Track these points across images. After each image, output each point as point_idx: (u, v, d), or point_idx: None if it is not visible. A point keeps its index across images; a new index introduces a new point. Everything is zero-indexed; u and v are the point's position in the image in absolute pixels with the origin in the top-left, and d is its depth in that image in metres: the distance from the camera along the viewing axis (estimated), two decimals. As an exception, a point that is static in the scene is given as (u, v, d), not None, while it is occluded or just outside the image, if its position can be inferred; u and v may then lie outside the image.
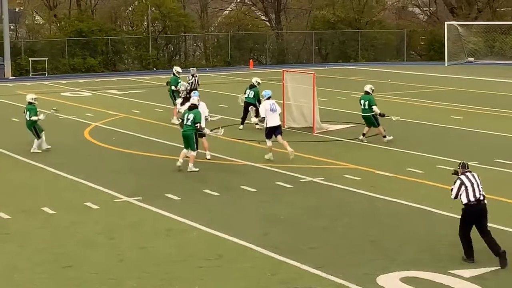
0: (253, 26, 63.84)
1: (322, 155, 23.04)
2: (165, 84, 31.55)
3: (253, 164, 21.91)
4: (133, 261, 13.94)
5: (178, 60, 58.45)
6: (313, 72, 28.63)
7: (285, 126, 27.12)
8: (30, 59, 52.00)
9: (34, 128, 23.88)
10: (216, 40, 62.88)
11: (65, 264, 13.72)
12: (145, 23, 59.04)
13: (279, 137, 22.40)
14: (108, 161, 23.08)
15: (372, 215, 16.68)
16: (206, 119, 22.46)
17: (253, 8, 68.16)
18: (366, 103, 24.92)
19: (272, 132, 22.41)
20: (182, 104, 26.51)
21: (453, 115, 30.76)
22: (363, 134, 25.26)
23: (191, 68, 31.16)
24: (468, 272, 13.03)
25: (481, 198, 13.43)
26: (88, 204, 17.77)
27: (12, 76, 49.59)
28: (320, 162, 21.83)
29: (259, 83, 28.34)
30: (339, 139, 25.99)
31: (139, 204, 17.85)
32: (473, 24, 60.85)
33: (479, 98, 36.82)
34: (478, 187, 13.44)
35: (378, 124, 25.08)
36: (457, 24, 59.63)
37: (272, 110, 22.41)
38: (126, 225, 16.23)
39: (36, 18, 61.96)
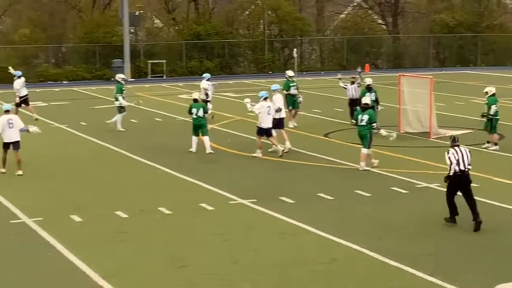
0: (370, 30, 63.36)
1: (439, 161, 22.66)
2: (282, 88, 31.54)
3: (367, 168, 21.75)
4: (246, 263, 14.05)
5: (294, 64, 58.47)
6: (430, 77, 28.22)
7: (401, 131, 26.86)
8: (148, 61, 53.05)
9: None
10: (332, 43, 62.72)
11: (179, 264, 13.94)
12: (262, 26, 59.39)
13: (271, 138, 23.78)
14: (223, 163, 23.32)
15: (488, 222, 16.29)
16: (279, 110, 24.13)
17: (369, 11, 67.65)
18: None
19: (263, 133, 23.64)
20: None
21: None
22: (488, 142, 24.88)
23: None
24: None
25: (466, 169, 15.85)
26: (204, 205, 18.01)
27: (131, 78, 50.70)
28: (437, 168, 21.51)
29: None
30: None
31: (253, 206, 17.97)
32: None
33: None
34: (464, 160, 15.82)
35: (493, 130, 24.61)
36: None
37: (268, 112, 23.52)
38: (240, 227, 16.37)
39: (155, 22, 63.16)
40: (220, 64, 56.01)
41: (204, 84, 30.85)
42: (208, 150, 24.05)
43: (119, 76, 29.90)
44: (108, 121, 29.05)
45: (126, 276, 13.40)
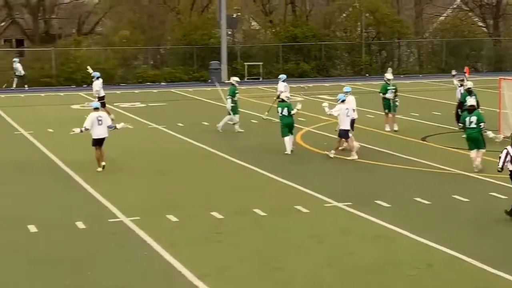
0: (470, 32, 62.32)
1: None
2: (378, 91, 31.32)
3: (465, 173, 21.42)
4: (341, 266, 14.00)
5: (391, 67, 58.03)
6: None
7: (501, 134, 26.34)
8: (245, 63, 53.40)
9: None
10: (430, 46, 61.94)
11: (274, 266, 13.98)
12: (359, 28, 59.08)
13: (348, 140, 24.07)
14: (319, 165, 23.31)
15: None
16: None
17: (470, 14, 66.53)
18: None
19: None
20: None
21: None
22: None
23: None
24: None
25: None
26: (299, 207, 18.01)
27: (228, 80, 51.07)
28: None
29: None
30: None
31: (348, 209, 17.89)
32: None
33: None
34: None
35: None
36: None
37: (347, 114, 23.79)
38: (335, 230, 16.32)
39: (252, 24, 63.53)
40: (316, 67, 56.00)
41: (280, 86, 31.15)
42: (289, 150, 24.65)
43: (233, 79, 30.22)
44: (235, 125, 29.17)
45: (221, 277, 13.51)
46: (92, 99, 31.93)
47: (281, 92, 30.56)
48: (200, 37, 53.70)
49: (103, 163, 22.32)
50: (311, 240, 15.59)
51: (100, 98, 31.77)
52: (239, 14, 56.87)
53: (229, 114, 29.16)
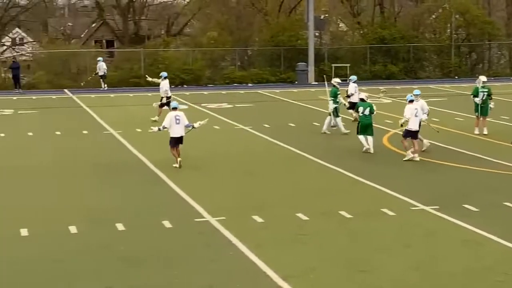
0: None
1: None
2: (469, 94, 30.85)
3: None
4: (428, 270, 13.84)
5: (481, 69, 57.17)
6: None
7: None
8: (332, 65, 53.19)
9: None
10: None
11: (360, 269, 13.91)
12: (448, 30, 58.29)
13: (414, 141, 23.85)
14: (405, 168, 23.10)
15: None
16: None
17: None
18: None
19: (412, 135, 23.73)
20: None
21: None
22: None
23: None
24: None
25: None
26: (385, 210, 17.89)
27: (315, 82, 51.06)
28: None
29: None
30: None
31: (435, 213, 17.68)
32: None
33: None
34: None
35: None
36: None
37: (416, 114, 23.75)
38: (422, 234, 16.14)
39: (340, 25, 63.32)
40: (404, 69, 55.46)
41: (351, 87, 31.28)
42: (370, 149, 24.95)
43: (334, 80, 30.17)
44: (339, 127, 29.20)
45: (306, 278, 13.51)
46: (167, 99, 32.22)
47: (352, 94, 30.80)
48: (287, 38, 53.76)
49: (179, 159, 22.71)
50: (398, 243, 15.47)
51: (167, 98, 32.17)
52: (326, 15, 56.82)
53: (331, 115, 29.05)
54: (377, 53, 55.29)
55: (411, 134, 23.90)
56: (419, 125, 24.08)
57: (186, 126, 23.03)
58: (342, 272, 13.79)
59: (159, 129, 23.04)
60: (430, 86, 49.19)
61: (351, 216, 17.42)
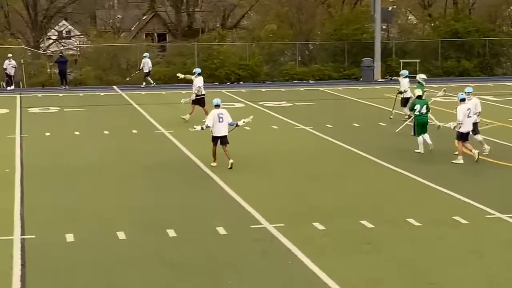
0: None
1: None
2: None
3: None
4: (503, 283, 13.69)
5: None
6: None
7: None
8: (400, 60, 52.80)
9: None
10: None
11: (431, 281, 13.79)
12: (528, 23, 57.62)
13: (465, 143, 23.74)
14: (479, 172, 22.87)
15: None
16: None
17: None
18: None
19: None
20: None
21: None
22: None
23: None
24: None
25: None
26: (457, 218, 17.71)
27: (381, 79, 50.82)
28: None
29: None
30: None
31: (513, 222, 17.51)
32: None
33: None
34: None
35: None
36: None
37: (468, 114, 23.61)
38: (498, 244, 15.95)
39: (409, 18, 62.90)
40: (479, 65, 54.85)
41: (404, 82, 31.42)
42: (431, 145, 25.09)
43: (419, 76, 30.12)
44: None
45: (371, 290, 13.46)
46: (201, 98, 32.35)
47: (405, 90, 30.71)
48: (352, 32, 53.57)
49: (231, 161, 22.75)
50: (471, 254, 15.31)
51: (197, 96, 32.22)
52: (394, 7, 56.44)
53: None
54: (449, 47, 54.76)
55: (463, 137, 23.74)
56: (475, 125, 24.18)
57: (230, 124, 23.09)
58: (410, 284, 13.69)
59: (202, 128, 23.18)
60: (507, 83, 48.58)
61: (420, 224, 17.29)
